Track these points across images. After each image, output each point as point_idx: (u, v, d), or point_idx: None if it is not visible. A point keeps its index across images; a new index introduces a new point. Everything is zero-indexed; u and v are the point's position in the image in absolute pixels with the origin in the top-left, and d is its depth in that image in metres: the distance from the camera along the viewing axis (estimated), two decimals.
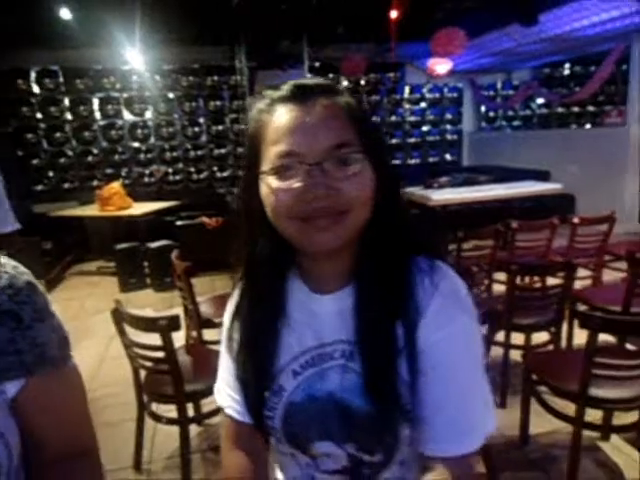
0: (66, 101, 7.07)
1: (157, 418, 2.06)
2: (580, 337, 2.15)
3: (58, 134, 7.11)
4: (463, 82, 8.78)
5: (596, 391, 1.69)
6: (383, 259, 0.66)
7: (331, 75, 8.08)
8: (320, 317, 0.70)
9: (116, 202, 5.37)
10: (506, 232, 3.36)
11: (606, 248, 3.39)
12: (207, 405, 2.11)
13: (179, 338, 2.03)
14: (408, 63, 8.21)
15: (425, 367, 0.63)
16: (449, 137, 9.06)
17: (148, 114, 7.45)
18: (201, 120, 7.66)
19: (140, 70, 6.98)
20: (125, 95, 7.28)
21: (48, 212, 5.84)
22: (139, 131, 7.45)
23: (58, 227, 5.70)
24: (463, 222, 4.33)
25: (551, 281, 2.60)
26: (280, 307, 0.72)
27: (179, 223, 5.07)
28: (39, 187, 7.14)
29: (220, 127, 7.70)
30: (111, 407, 2.58)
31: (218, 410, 0.82)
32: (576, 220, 3.32)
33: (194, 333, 2.62)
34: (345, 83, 8.23)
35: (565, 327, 2.50)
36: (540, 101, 8.87)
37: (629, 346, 2.21)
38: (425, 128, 8.88)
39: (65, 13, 4.93)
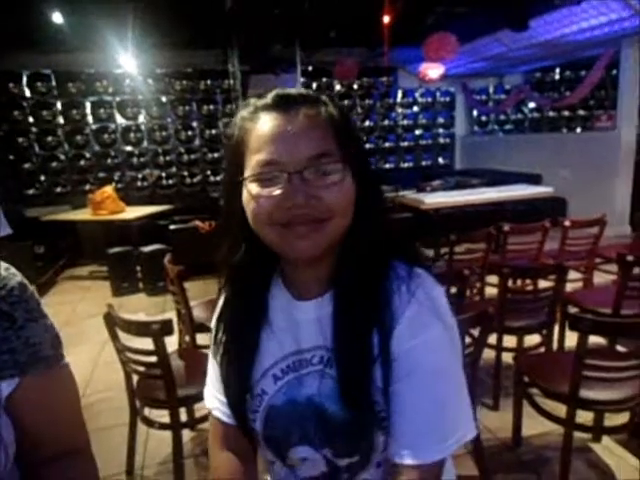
0: (58, 105, 7.04)
1: (150, 423, 2.04)
2: (572, 339, 2.17)
3: (50, 138, 7.08)
4: (455, 86, 8.84)
5: (587, 393, 1.71)
6: (362, 266, 0.67)
7: (324, 79, 8.12)
8: (300, 323, 0.71)
9: (109, 206, 5.34)
10: (498, 235, 3.38)
11: (597, 251, 3.42)
12: (200, 410, 2.10)
13: (172, 343, 2.03)
14: (400, 68, 8.26)
15: (399, 374, 0.64)
16: (442, 141, 9.12)
17: (141, 118, 7.44)
18: (194, 124, 7.66)
19: (133, 74, 6.97)
20: (118, 99, 7.27)
21: (40, 216, 5.80)
22: (132, 135, 7.44)
23: (50, 231, 5.67)
24: (456, 225, 4.36)
25: (543, 284, 2.62)
26: (262, 313, 0.74)
27: (172, 227, 5.06)
28: (31, 191, 7.09)
29: (213, 131, 7.71)
30: (104, 412, 2.57)
31: None
32: (567, 223, 3.35)
33: (187, 337, 2.61)
34: (338, 87, 8.27)
35: (557, 329, 2.52)
36: (531, 105, 8.96)
37: (619, 348, 2.23)
38: (418, 132, 8.93)
39: (57, 17, 4.91)
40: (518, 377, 2.04)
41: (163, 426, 1.98)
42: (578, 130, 8.50)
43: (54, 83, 6.95)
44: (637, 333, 1.68)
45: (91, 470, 0.76)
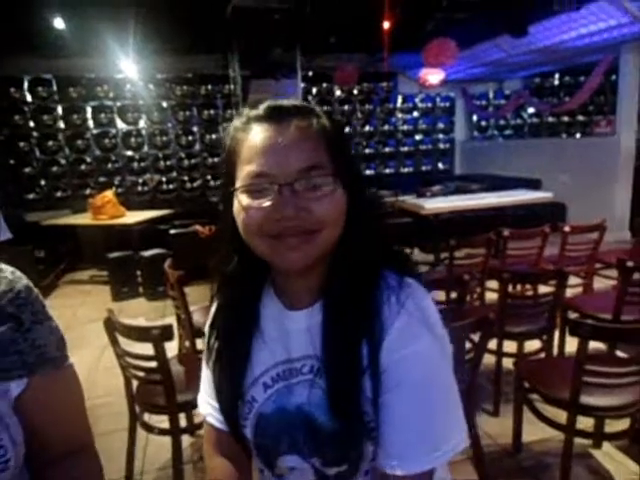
0: (59, 109, 7.06)
1: (149, 429, 2.04)
2: (572, 345, 2.17)
3: (51, 142, 7.09)
4: (455, 92, 8.87)
5: (587, 399, 1.70)
6: (353, 276, 0.67)
7: (324, 84, 8.15)
8: (291, 333, 0.71)
9: (109, 211, 5.35)
10: (498, 240, 3.38)
11: (597, 256, 3.42)
12: (199, 415, 2.08)
13: (172, 348, 2.02)
14: (400, 73, 8.29)
15: (388, 385, 0.63)
16: (441, 146, 9.14)
17: (142, 123, 7.45)
18: (195, 129, 7.68)
19: (134, 79, 7.00)
20: (118, 104, 7.28)
21: (40, 221, 5.81)
22: (132, 140, 7.45)
23: (50, 236, 5.67)
24: (455, 230, 4.36)
25: (543, 289, 2.62)
26: (254, 322, 0.74)
27: (172, 232, 5.06)
28: (31, 195, 7.10)
29: (214, 136, 7.72)
30: (103, 417, 2.56)
31: None
32: (567, 228, 3.35)
33: (187, 342, 2.61)
34: (338, 92, 8.30)
35: (557, 335, 2.52)
36: (531, 110, 8.98)
37: (619, 353, 2.23)
38: (418, 137, 8.95)
39: (59, 22, 4.94)
40: (518, 383, 2.03)
41: (163, 431, 1.97)
42: (577, 135, 8.52)
43: (55, 88, 6.97)
44: (637, 339, 1.68)
45: (97, 468, 0.77)
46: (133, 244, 5.13)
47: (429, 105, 8.92)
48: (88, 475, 0.75)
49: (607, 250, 3.68)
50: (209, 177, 7.86)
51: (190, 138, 7.69)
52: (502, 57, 6.48)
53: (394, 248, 0.73)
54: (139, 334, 1.82)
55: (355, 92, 8.40)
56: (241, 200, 0.64)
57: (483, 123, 9.32)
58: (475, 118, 9.28)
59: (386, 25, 5.02)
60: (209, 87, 7.60)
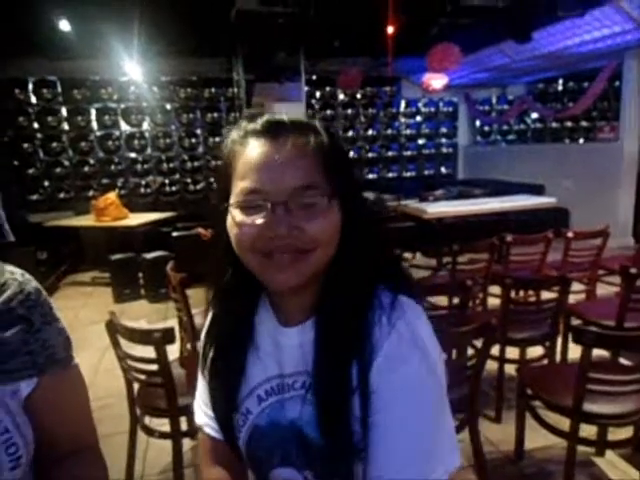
0: (63, 111, 7.09)
1: (150, 432, 2.03)
2: (575, 351, 2.16)
3: (55, 144, 7.11)
4: (458, 96, 8.88)
5: (590, 406, 1.69)
6: (346, 296, 0.66)
7: (328, 88, 8.17)
8: (284, 348, 0.71)
9: (112, 212, 5.36)
10: (501, 246, 3.37)
11: (600, 262, 3.41)
12: None
13: (173, 350, 2.02)
14: (404, 78, 8.30)
15: (377, 406, 0.62)
16: (444, 150, 9.15)
17: (145, 125, 7.48)
18: (198, 131, 7.70)
19: (138, 81, 7.02)
20: (122, 106, 7.31)
21: (43, 222, 5.82)
22: (136, 142, 7.47)
23: (53, 237, 5.68)
24: (458, 235, 4.36)
25: (545, 295, 2.61)
26: (249, 336, 0.74)
27: (175, 234, 5.06)
28: (35, 197, 7.12)
29: (217, 139, 7.74)
30: (104, 419, 2.55)
31: None
32: (570, 234, 3.34)
33: (189, 345, 2.60)
34: (342, 96, 8.32)
35: (560, 341, 2.50)
36: (534, 116, 8.98)
37: (623, 361, 2.22)
38: (421, 141, 8.96)
39: (64, 24, 4.96)
40: (521, 389, 2.02)
41: (163, 435, 1.97)
42: (581, 141, 8.50)
43: (59, 90, 7.00)
44: None
45: (102, 468, 0.79)
46: (135, 246, 5.13)
47: (432, 110, 8.93)
48: (93, 474, 0.76)
49: (610, 256, 3.67)
50: (212, 180, 7.87)
51: (193, 141, 7.71)
52: (506, 62, 6.49)
53: (390, 264, 0.73)
54: (141, 337, 1.82)
55: (358, 96, 8.41)
56: (234, 215, 0.63)
57: (486, 128, 9.32)
58: (478, 123, 9.28)
59: (390, 30, 5.03)
60: (213, 90, 7.62)
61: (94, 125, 7.25)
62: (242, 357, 0.73)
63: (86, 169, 7.31)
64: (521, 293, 3.28)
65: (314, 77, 7.81)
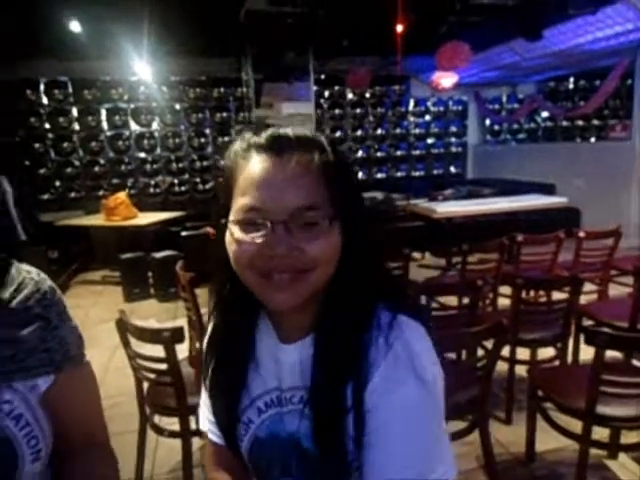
0: (74, 111, 7.14)
1: (159, 431, 2.04)
2: (586, 352, 2.13)
3: (65, 144, 7.17)
4: (468, 95, 8.82)
5: (603, 409, 1.67)
6: (344, 313, 0.65)
7: (337, 87, 8.15)
8: (283, 364, 0.71)
9: (122, 212, 5.39)
10: (511, 245, 3.34)
11: (612, 263, 3.37)
12: None
13: (183, 350, 2.02)
14: (413, 76, 8.26)
15: (371, 427, 0.62)
16: (454, 150, 9.09)
17: (155, 125, 7.51)
18: (207, 131, 7.72)
19: (147, 81, 7.05)
20: (132, 106, 7.35)
21: (54, 221, 5.87)
22: (145, 142, 7.51)
23: (64, 236, 5.73)
24: (468, 235, 4.33)
25: (557, 295, 2.58)
26: (249, 351, 0.74)
27: (184, 233, 5.08)
28: (46, 196, 7.18)
29: (226, 138, 7.76)
30: (114, 418, 2.56)
31: None
32: (582, 234, 3.31)
33: (198, 345, 2.61)
34: (350, 95, 8.30)
35: (571, 342, 2.48)
36: (545, 114, 8.90)
37: (636, 362, 2.19)
38: (430, 141, 8.91)
39: (75, 25, 5.00)
40: (532, 391, 2.00)
41: (173, 434, 1.97)
42: (592, 140, 8.42)
43: (70, 90, 7.05)
44: None
45: (113, 463, 0.81)
46: (145, 245, 5.16)
47: (441, 109, 8.88)
48: (104, 471, 0.78)
49: (622, 256, 3.62)
50: (221, 179, 7.87)
51: (202, 140, 7.73)
52: (516, 61, 6.43)
53: (391, 283, 0.72)
54: (150, 336, 1.83)
55: (367, 95, 8.39)
56: (233, 232, 0.62)
57: (496, 127, 9.25)
58: (488, 122, 9.21)
59: (399, 28, 5.01)
60: (222, 90, 7.64)
61: (104, 125, 7.30)
62: (242, 371, 0.74)
63: (96, 169, 7.36)
64: (532, 293, 3.24)
65: (323, 76, 7.80)
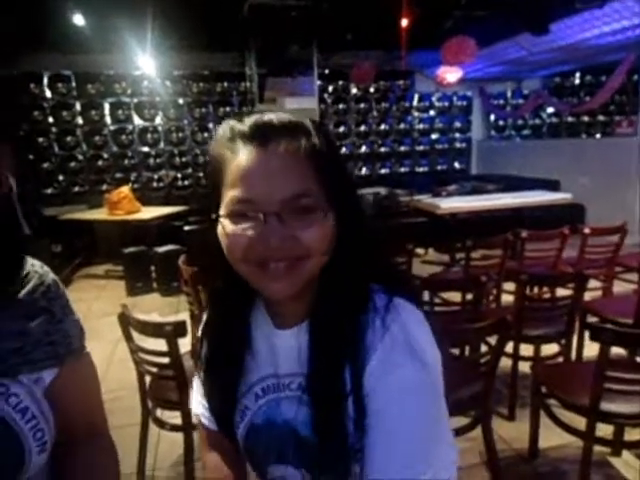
0: (77, 106, 7.13)
1: (161, 424, 2.04)
2: (590, 349, 2.12)
3: (69, 138, 7.17)
4: (472, 90, 8.77)
5: (607, 405, 1.66)
6: (340, 298, 0.65)
7: (340, 82, 8.12)
8: (280, 350, 0.70)
9: (125, 206, 5.39)
10: (515, 242, 3.32)
11: (617, 259, 3.35)
12: None
13: (185, 344, 2.02)
14: (417, 71, 8.21)
15: (371, 409, 0.62)
16: (458, 145, 9.05)
17: (158, 119, 7.50)
18: (210, 126, 7.70)
19: (151, 76, 7.03)
20: (136, 100, 7.34)
21: (58, 215, 5.88)
22: (149, 136, 7.50)
23: (67, 230, 5.74)
24: (472, 231, 4.30)
25: (561, 292, 2.56)
26: (244, 339, 0.73)
27: (187, 228, 5.08)
28: (49, 190, 7.19)
29: None
30: (116, 411, 2.56)
31: None
32: (587, 230, 3.28)
33: None
34: (354, 90, 8.26)
35: (575, 339, 2.46)
36: (550, 110, 8.84)
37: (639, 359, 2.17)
38: (434, 136, 8.87)
39: (78, 19, 4.98)
40: (535, 387, 1.99)
41: (175, 428, 1.98)
42: (598, 136, 8.36)
43: (74, 84, 7.04)
44: None
45: (113, 454, 0.81)
46: (148, 240, 5.16)
47: (446, 104, 8.82)
48: (105, 461, 0.79)
49: (628, 253, 3.60)
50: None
51: (206, 135, 7.71)
52: (522, 56, 6.38)
53: (386, 265, 0.71)
54: (153, 330, 1.82)
55: (371, 90, 8.35)
56: (225, 225, 0.61)
57: (501, 123, 9.19)
58: (492, 117, 9.15)
59: (404, 22, 4.98)
60: (225, 84, 7.61)
61: (108, 119, 7.29)
62: (237, 358, 0.73)
63: (100, 163, 7.36)
64: (535, 290, 3.23)
65: (327, 71, 7.76)
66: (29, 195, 6.21)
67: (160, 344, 1.80)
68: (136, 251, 4.92)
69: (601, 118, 8.51)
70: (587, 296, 2.54)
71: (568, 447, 2.10)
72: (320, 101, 7.49)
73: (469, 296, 2.43)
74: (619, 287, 3.56)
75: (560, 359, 2.45)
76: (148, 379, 2.03)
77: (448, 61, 5.21)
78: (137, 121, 7.40)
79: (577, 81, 8.54)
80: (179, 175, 7.72)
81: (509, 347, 2.38)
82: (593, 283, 3.20)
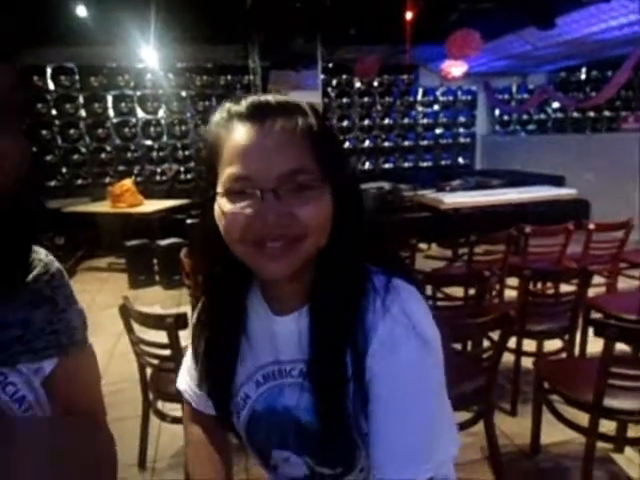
0: (81, 98, 7.12)
1: (162, 416, 2.04)
2: (593, 345, 2.11)
3: (72, 131, 7.16)
4: (477, 85, 8.71)
5: (610, 402, 1.65)
6: (339, 281, 0.64)
7: (344, 76, 8.07)
8: (279, 337, 0.70)
9: (127, 199, 5.39)
10: (519, 237, 3.30)
11: (622, 255, 3.33)
12: None
13: (186, 336, 2.02)
14: (422, 65, 8.16)
15: (374, 393, 0.62)
16: (462, 140, 8.99)
17: (161, 112, 7.48)
18: None
19: (154, 68, 7.00)
20: (139, 93, 7.32)
21: (61, 208, 5.88)
22: (152, 129, 7.49)
23: (70, 223, 5.74)
24: (475, 226, 4.28)
25: (564, 288, 2.55)
26: (240, 325, 0.73)
27: (189, 221, 5.08)
28: (52, 183, 7.19)
29: None
30: (117, 403, 2.57)
31: None
32: (592, 226, 3.26)
33: None
34: (358, 84, 8.22)
35: (579, 335, 2.45)
36: (555, 105, 8.78)
37: None
38: (438, 131, 8.82)
39: (81, 11, 4.96)
40: (538, 383, 1.98)
41: (175, 420, 1.97)
42: (603, 131, 8.31)
43: (77, 77, 7.03)
44: None
45: (111, 444, 0.79)
46: (150, 233, 5.16)
47: (450, 98, 8.77)
48: (105, 450, 0.77)
49: (633, 249, 3.58)
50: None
51: None
52: (527, 50, 6.33)
53: (383, 248, 0.71)
54: (154, 322, 1.82)
55: (375, 84, 8.30)
56: (222, 205, 0.61)
57: (505, 118, 9.13)
58: (497, 112, 9.09)
59: (408, 16, 4.93)
60: (228, 77, 7.59)
61: (111, 112, 7.27)
62: (235, 346, 0.73)
63: (103, 156, 7.35)
64: (539, 285, 3.21)
65: (331, 65, 7.72)
66: (32, 187, 6.20)
67: (161, 337, 1.80)
68: (139, 244, 4.93)
69: (607, 113, 8.45)
70: (591, 292, 2.53)
71: (570, 443, 2.09)
72: (324, 95, 7.46)
73: (472, 291, 2.42)
74: (623, 283, 3.54)
75: (563, 355, 2.44)
76: (149, 371, 2.03)
77: (453, 54, 5.17)
78: (140, 114, 7.39)
79: (583, 76, 8.47)
80: (182, 168, 7.71)
81: (512, 342, 2.37)
82: (597, 279, 3.18)
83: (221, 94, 7.61)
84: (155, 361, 1.93)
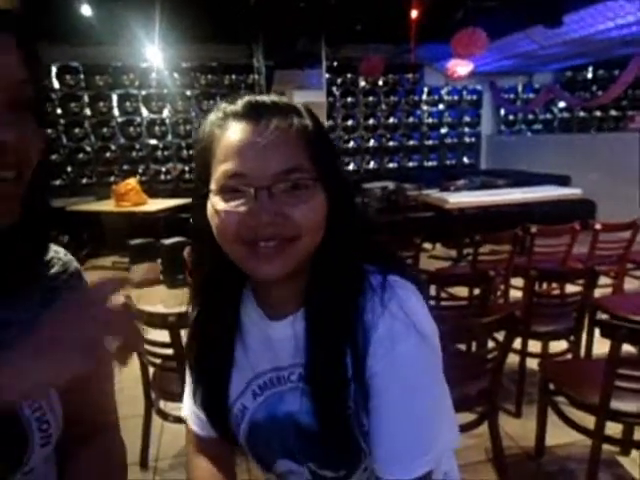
0: (86, 97, 7.13)
1: (164, 416, 2.04)
2: (599, 346, 2.08)
3: (77, 130, 7.18)
4: (483, 84, 8.66)
5: (617, 404, 1.63)
6: (334, 282, 0.64)
7: (349, 75, 8.05)
8: (276, 342, 0.69)
9: (132, 198, 5.39)
10: (524, 237, 3.28)
11: (629, 256, 3.29)
12: None
13: None
14: (427, 64, 8.13)
15: (375, 391, 0.62)
16: (467, 140, 8.94)
17: (166, 112, 7.48)
18: None
19: (159, 67, 7.01)
20: (144, 92, 7.32)
21: (66, 206, 5.89)
22: (157, 128, 7.50)
23: (75, 221, 5.75)
24: (480, 226, 4.26)
25: (570, 288, 2.52)
26: (234, 333, 0.71)
27: None
28: (57, 182, 7.20)
29: None
30: (120, 402, 2.56)
31: None
32: (598, 226, 3.23)
33: None
34: (363, 83, 8.20)
35: (584, 336, 2.42)
36: (561, 105, 8.72)
37: None
38: (443, 130, 8.78)
39: (86, 10, 4.97)
40: (543, 384, 1.96)
41: (178, 419, 1.96)
42: (609, 131, 8.24)
43: (82, 76, 7.04)
44: None
45: (121, 444, 0.79)
46: (154, 232, 5.17)
47: (455, 98, 8.72)
48: (116, 451, 0.77)
49: (639, 250, 3.54)
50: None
51: None
52: (534, 49, 6.28)
53: (377, 246, 0.71)
54: (156, 320, 1.81)
55: (380, 83, 8.26)
56: (215, 203, 0.60)
57: (511, 117, 9.06)
58: (503, 112, 9.04)
59: (413, 14, 4.92)
60: (233, 77, 7.58)
61: (116, 111, 7.28)
62: (229, 355, 0.71)
63: (108, 155, 7.36)
64: (544, 286, 3.18)
65: (335, 64, 7.69)
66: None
67: (164, 335, 1.79)
68: (143, 243, 4.93)
69: (613, 113, 8.38)
70: (597, 293, 2.50)
71: (575, 445, 2.07)
72: (328, 94, 7.44)
73: (477, 291, 2.40)
74: (630, 284, 3.51)
75: (569, 356, 2.41)
76: (152, 370, 2.02)
77: (458, 53, 5.14)
78: (145, 113, 7.39)
79: (589, 75, 8.41)
80: (186, 168, 7.70)
81: (517, 343, 2.35)
82: (603, 280, 3.15)
83: (226, 93, 7.60)
84: (158, 360, 1.92)
